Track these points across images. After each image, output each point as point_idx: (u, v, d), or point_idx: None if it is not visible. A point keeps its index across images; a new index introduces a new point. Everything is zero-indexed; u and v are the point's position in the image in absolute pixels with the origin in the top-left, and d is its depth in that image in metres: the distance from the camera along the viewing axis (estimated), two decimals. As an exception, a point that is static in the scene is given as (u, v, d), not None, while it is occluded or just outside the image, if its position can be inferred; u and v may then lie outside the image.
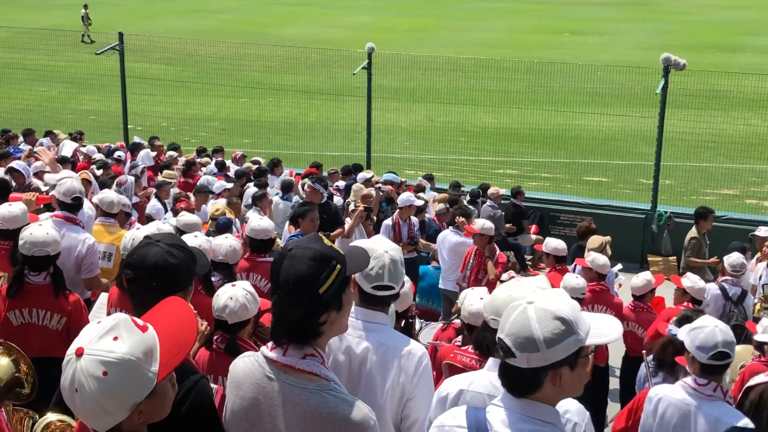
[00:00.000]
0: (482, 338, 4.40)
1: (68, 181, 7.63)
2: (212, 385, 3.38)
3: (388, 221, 11.77)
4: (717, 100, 20.30)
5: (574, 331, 2.53)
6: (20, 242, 5.57)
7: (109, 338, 2.25)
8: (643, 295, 8.79)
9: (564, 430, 2.77)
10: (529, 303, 2.57)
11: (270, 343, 2.89)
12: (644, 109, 18.40)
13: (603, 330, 2.65)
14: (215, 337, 4.68)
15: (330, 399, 2.76)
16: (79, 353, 2.23)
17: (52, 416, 3.34)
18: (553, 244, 9.62)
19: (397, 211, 11.87)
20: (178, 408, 2.62)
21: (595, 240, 10.46)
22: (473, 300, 5.39)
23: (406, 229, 11.62)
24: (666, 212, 15.65)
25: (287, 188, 13.76)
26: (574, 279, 8.20)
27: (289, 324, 2.81)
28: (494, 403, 2.72)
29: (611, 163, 20.67)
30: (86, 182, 10.88)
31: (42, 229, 5.65)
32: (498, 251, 10.19)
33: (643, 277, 8.86)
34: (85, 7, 38.92)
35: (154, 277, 3.08)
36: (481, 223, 10.18)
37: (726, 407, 4.61)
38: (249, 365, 2.89)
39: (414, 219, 11.92)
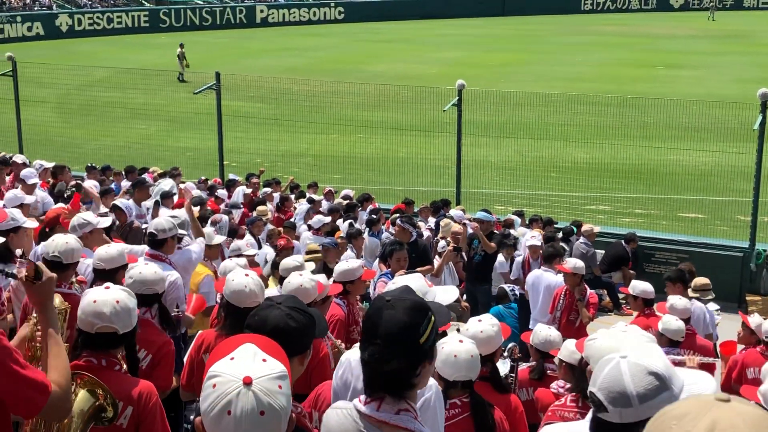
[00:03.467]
0: (585, 386, 4.33)
1: (157, 218, 7.89)
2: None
3: (519, 259, 12.04)
4: (818, 135, 19.65)
5: (668, 387, 2.50)
6: (128, 280, 5.76)
7: (276, 384, 2.45)
8: None
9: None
10: (622, 357, 2.55)
11: (363, 396, 2.90)
12: (741, 145, 17.95)
13: (697, 386, 2.62)
14: None
15: None
16: (248, 382, 2.40)
17: None
18: (641, 286, 9.20)
19: (528, 251, 12.23)
20: None
21: (698, 281, 10.11)
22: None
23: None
24: (765, 250, 15.20)
25: (371, 224, 13.93)
26: (674, 321, 7.96)
27: (387, 376, 2.81)
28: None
29: (707, 199, 20.19)
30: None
31: (149, 268, 5.89)
32: (589, 291, 9.99)
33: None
34: (181, 46, 39.82)
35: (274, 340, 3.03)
36: (573, 262, 10.01)
37: None
38: (343, 419, 2.90)
39: None
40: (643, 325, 7.89)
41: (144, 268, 5.90)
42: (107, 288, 4.18)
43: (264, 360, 2.50)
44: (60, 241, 6.14)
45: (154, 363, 5.61)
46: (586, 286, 10.08)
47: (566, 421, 4.91)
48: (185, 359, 5.99)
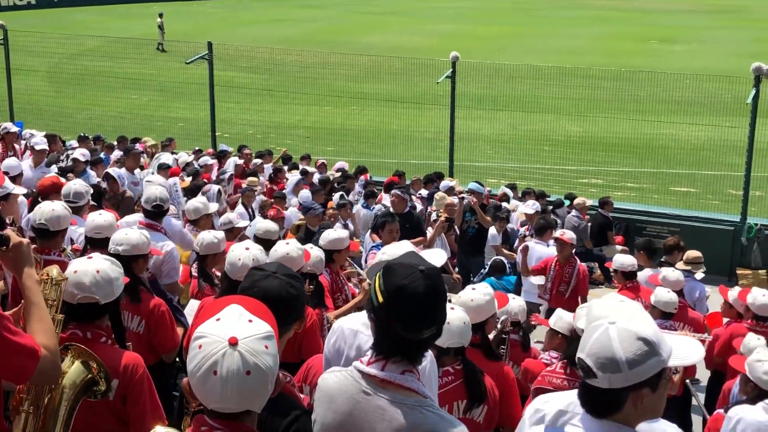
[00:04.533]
0: (573, 353, 4.35)
1: (151, 188, 7.88)
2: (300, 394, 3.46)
3: (522, 230, 12.36)
4: (811, 109, 19.68)
5: (657, 353, 2.50)
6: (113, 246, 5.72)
7: (262, 344, 2.46)
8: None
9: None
10: (611, 323, 2.54)
11: (365, 357, 2.92)
12: (734, 119, 17.98)
13: (685, 352, 2.64)
14: None
15: (429, 415, 2.78)
16: (233, 342, 2.42)
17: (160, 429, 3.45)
18: (621, 260, 9.26)
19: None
20: None
21: (690, 254, 10.14)
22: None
23: None
24: (756, 224, 15.25)
25: (368, 197, 13.91)
26: (666, 293, 7.99)
27: (395, 338, 2.83)
28: (573, 423, 2.70)
29: (699, 174, 20.23)
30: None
31: (121, 231, 5.86)
32: (578, 263, 10.03)
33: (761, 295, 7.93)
34: (160, 15, 39.95)
35: (277, 310, 2.91)
36: (570, 234, 10.10)
37: None
38: (342, 380, 2.91)
39: None
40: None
41: (119, 231, 5.88)
42: (90, 258, 4.17)
43: (250, 321, 2.51)
44: (46, 209, 6.12)
45: (151, 328, 5.61)
46: (577, 258, 10.12)
47: (554, 386, 4.95)
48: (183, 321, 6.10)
